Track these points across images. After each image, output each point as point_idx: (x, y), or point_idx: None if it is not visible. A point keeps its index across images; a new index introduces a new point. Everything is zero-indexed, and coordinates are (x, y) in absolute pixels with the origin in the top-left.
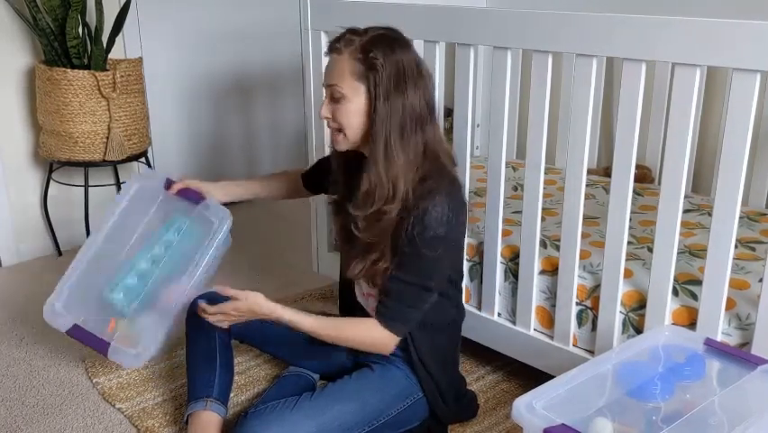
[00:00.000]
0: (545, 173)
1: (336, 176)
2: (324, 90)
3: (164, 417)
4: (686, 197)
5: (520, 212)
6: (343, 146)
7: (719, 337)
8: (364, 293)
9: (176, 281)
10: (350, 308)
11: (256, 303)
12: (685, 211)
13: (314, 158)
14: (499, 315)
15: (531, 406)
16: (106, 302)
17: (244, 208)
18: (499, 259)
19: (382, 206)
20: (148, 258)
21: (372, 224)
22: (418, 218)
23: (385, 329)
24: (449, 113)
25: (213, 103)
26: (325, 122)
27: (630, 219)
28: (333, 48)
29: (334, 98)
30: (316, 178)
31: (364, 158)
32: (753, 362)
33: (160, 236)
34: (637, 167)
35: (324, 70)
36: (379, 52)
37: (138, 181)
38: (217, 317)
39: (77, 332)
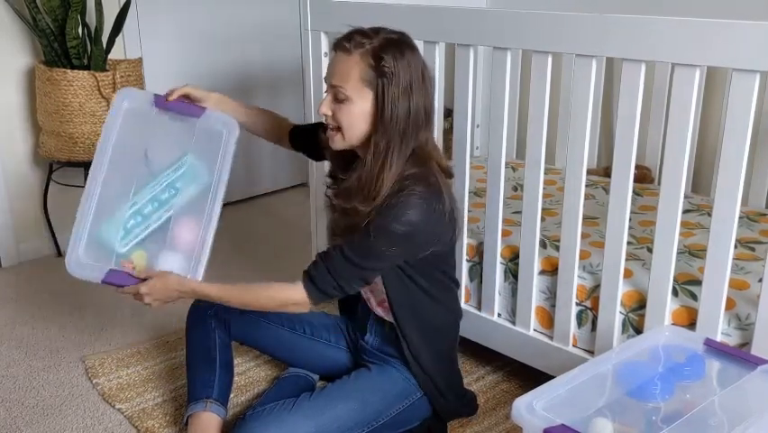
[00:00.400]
0: (545, 173)
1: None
2: (324, 85)
3: (164, 417)
4: (686, 197)
5: (520, 212)
6: (339, 145)
7: (719, 337)
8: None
9: (190, 217)
10: (349, 306)
11: (165, 279)
12: (685, 211)
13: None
14: (499, 315)
15: (531, 406)
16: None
17: (243, 209)
18: (499, 259)
19: (359, 204)
20: (153, 201)
21: (344, 216)
22: (382, 208)
23: (302, 288)
24: (449, 113)
25: None
26: (324, 118)
27: (630, 219)
28: (342, 47)
29: (338, 99)
30: (306, 138)
31: (355, 155)
32: (752, 362)
33: (166, 179)
34: (637, 167)
35: (327, 67)
36: (390, 59)
37: (127, 99)
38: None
39: (114, 277)
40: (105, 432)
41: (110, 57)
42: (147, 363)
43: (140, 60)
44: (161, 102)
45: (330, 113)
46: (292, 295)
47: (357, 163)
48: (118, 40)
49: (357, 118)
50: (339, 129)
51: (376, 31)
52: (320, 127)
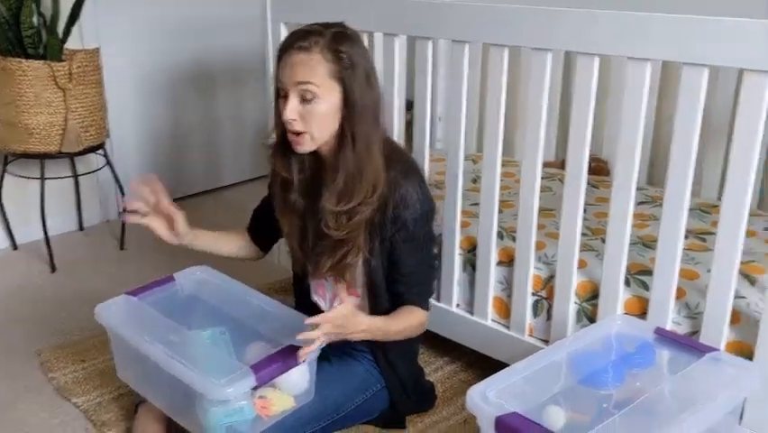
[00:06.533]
0: (504, 166)
1: (287, 182)
2: (279, 91)
3: (120, 411)
4: (641, 189)
5: (479, 204)
6: (308, 147)
7: (669, 326)
8: (329, 294)
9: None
10: (306, 309)
11: (348, 315)
12: (639, 203)
13: None
14: (458, 306)
15: (484, 395)
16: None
17: (205, 201)
18: (458, 251)
19: (359, 203)
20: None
21: (343, 221)
22: (402, 204)
23: (423, 311)
24: (410, 106)
25: (172, 95)
26: (290, 124)
27: (585, 211)
28: (298, 47)
29: (305, 99)
30: (263, 221)
31: (319, 157)
32: (701, 350)
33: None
34: (594, 160)
35: (281, 71)
36: (347, 49)
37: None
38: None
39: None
40: (60, 426)
41: (66, 47)
42: (103, 357)
43: (97, 50)
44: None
45: (297, 117)
46: (421, 321)
47: (341, 162)
48: (74, 29)
49: (328, 116)
50: (306, 132)
51: (323, 26)
52: (259, 207)
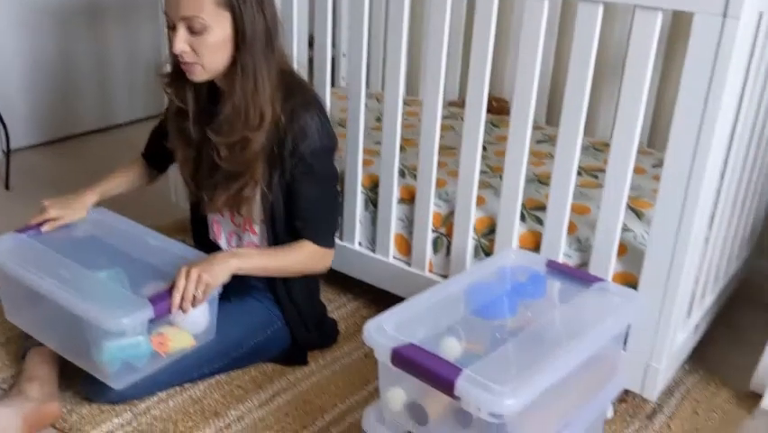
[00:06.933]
0: (409, 105)
1: (183, 111)
2: (167, 22)
3: (7, 356)
4: (539, 128)
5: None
6: (202, 77)
7: (561, 259)
8: (225, 232)
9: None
10: (205, 248)
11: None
12: (538, 142)
13: None
14: (360, 244)
15: (381, 327)
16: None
17: (98, 140)
18: (360, 189)
19: (248, 133)
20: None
21: (237, 152)
22: (301, 136)
23: (315, 245)
24: (312, 42)
25: (61, 29)
26: (180, 57)
27: (486, 150)
28: None
29: (194, 31)
30: (158, 147)
31: (216, 85)
32: (589, 280)
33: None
34: (496, 99)
35: (168, 1)
36: None
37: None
38: (177, 298)
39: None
40: None
41: None
42: None
43: None
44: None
45: (188, 49)
46: (319, 258)
47: (227, 91)
48: None
49: (218, 46)
50: (198, 62)
51: None
52: (156, 128)
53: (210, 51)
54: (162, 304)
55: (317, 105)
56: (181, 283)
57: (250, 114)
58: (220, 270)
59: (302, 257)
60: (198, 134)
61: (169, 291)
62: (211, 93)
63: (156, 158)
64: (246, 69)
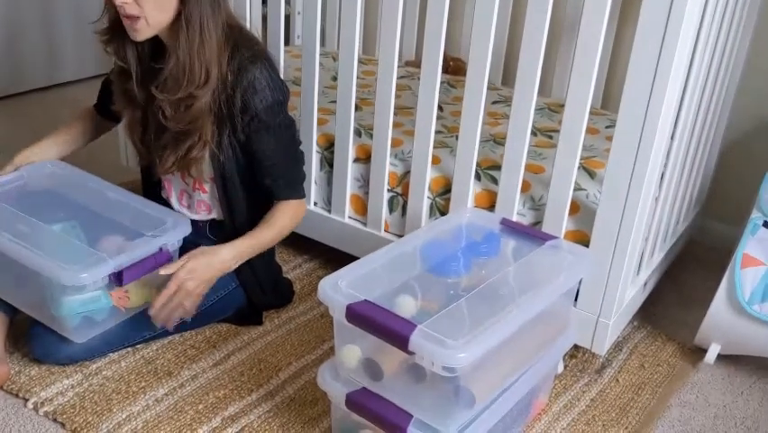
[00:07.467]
0: (366, 64)
1: (125, 71)
2: None
3: None
4: (496, 89)
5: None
6: (145, 34)
7: (515, 217)
8: (175, 191)
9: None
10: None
11: (203, 253)
12: (494, 102)
13: None
14: (315, 204)
15: (336, 285)
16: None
17: (46, 98)
18: (315, 148)
19: (193, 90)
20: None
21: (182, 110)
22: (251, 91)
23: (294, 201)
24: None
25: None
26: (122, 8)
27: (442, 110)
28: None
29: None
30: (110, 100)
31: (160, 43)
32: (542, 238)
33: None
34: (453, 60)
35: None
36: None
37: None
38: (164, 312)
39: (134, 271)
40: None
41: None
42: None
43: None
44: None
45: (130, 1)
46: (296, 212)
47: (170, 48)
48: None
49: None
50: (140, 17)
51: None
52: (106, 81)
53: (152, 3)
54: (131, 273)
55: (265, 58)
56: (170, 292)
57: (195, 69)
58: (216, 275)
59: (287, 220)
60: (143, 94)
61: (143, 260)
62: (154, 50)
63: (109, 109)
64: (192, 22)
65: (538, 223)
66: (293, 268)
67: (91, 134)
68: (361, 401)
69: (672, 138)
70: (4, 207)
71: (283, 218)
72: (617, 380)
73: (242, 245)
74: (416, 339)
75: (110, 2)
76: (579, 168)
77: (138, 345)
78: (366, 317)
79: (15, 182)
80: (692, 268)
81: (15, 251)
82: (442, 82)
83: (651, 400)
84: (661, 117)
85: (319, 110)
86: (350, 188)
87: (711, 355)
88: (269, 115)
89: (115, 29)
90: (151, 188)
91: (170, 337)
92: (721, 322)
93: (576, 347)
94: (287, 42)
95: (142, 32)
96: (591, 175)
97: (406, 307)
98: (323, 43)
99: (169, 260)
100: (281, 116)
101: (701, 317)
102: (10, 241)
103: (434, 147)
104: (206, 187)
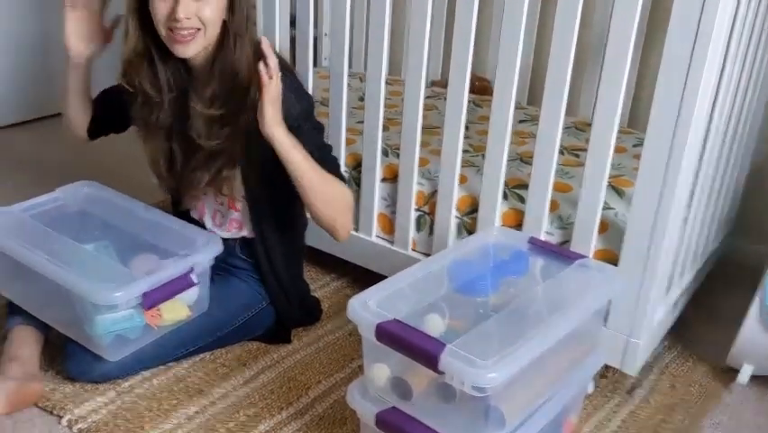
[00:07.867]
0: (393, 85)
1: (149, 102)
2: None
3: None
4: (522, 108)
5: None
6: (196, 48)
7: (543, 236)
8: (209, 210)
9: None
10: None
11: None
12: (520, 122)
13: None
14: None
15: (365, 304)
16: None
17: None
18: (343, 168)
19: (233, 107)
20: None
21: (216, 129)
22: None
23: (346, 187)
24: (294, 22)
25: (39, 7)
26: (182, 22)
27: (468, 129)
28: None
29: None
30: (105, 112)
31: (187, 68)
32: (571, 257)
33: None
34: (479, 79)
35: None
36: None
37: None
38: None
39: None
40: None
41: None
42: None
43: None
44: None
45: (191, 15)
46: (349, 194)
47: (218, 63)
48: None
49: (219, 10)
50: (200, 29)
51: None
52: (104, 96)
53: (214, 15)
54: (154, 296)
55: (287, 69)
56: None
57: (237, 86)
58: (278, 120)
59: (338, 192)
60: (169, 123)
61: (165, 285)
62: (181, 77)
63: (96, 122)
64: (239, 38)
65: (566, 242)
66: (321, 286)
67: (80, 123)
68: (391, 421)
69: (701, 157)
70: (38, 227)
71: (336, 185)
72: (649, 401)
73: (298, 145)
74: (445, 358)
75: (137, 30)
76: (607, 187)
77: (170, 363)
78: (396, 336)
79: (53, 203)
80: (723, 287)
81: (50, 270)
82: (468, 102)
83: (683, 422)
84: (689, 135)
85: (347, 130)
86: (377, 207)
87: (744, 376)
88: (299, 121)
89: (135, 62)
90: (180, 213)
91: (201, 355)
92: (753, 342)
93: (607, 367)
94: (314, 64)
95: (197, 43)
96: (620, 194)
97: (434, 326)
98: (350, 64)
99: (191, 285)
100: (311, 122)
101: (733, 338)
102: (45, 260)
103: (461, 166)
104: (239, 205)
